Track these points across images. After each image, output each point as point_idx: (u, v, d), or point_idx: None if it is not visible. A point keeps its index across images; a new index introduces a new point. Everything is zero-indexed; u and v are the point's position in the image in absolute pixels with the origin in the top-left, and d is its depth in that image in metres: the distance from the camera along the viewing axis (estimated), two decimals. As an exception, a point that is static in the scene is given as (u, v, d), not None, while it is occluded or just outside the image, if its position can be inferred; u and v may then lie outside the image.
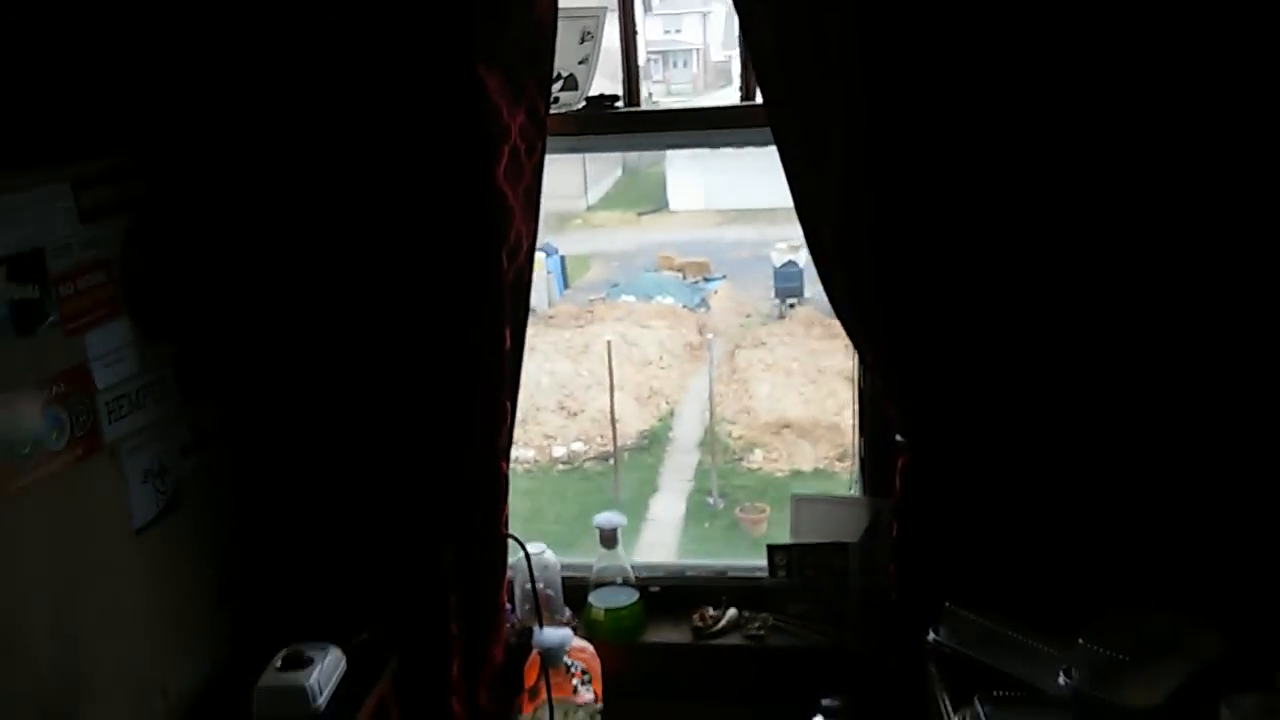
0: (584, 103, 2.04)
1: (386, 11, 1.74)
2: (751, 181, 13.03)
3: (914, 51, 1.68)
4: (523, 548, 1.99)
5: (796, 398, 9.79)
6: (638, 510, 7.97)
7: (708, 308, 11.38)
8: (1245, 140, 1.65)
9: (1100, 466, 1.81)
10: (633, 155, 13.84)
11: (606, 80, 2.08)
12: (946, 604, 1.84)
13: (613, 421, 8.68)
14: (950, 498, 1.87)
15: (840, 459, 8.71)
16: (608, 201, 14.29)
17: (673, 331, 10.69)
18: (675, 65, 13.99)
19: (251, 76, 1.80)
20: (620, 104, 2.06)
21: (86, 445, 1.56)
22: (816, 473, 8.73)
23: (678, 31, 14.08)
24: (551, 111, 1.90)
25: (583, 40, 1.95)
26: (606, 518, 2.20)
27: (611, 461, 8.79)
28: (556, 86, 1.95)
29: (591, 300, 11.06)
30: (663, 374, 10.11)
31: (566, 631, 1.95)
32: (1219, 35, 1.62)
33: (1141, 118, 1.66)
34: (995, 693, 1.68)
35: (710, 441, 9.18)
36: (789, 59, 1.75)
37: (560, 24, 1.82)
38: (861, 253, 1.79)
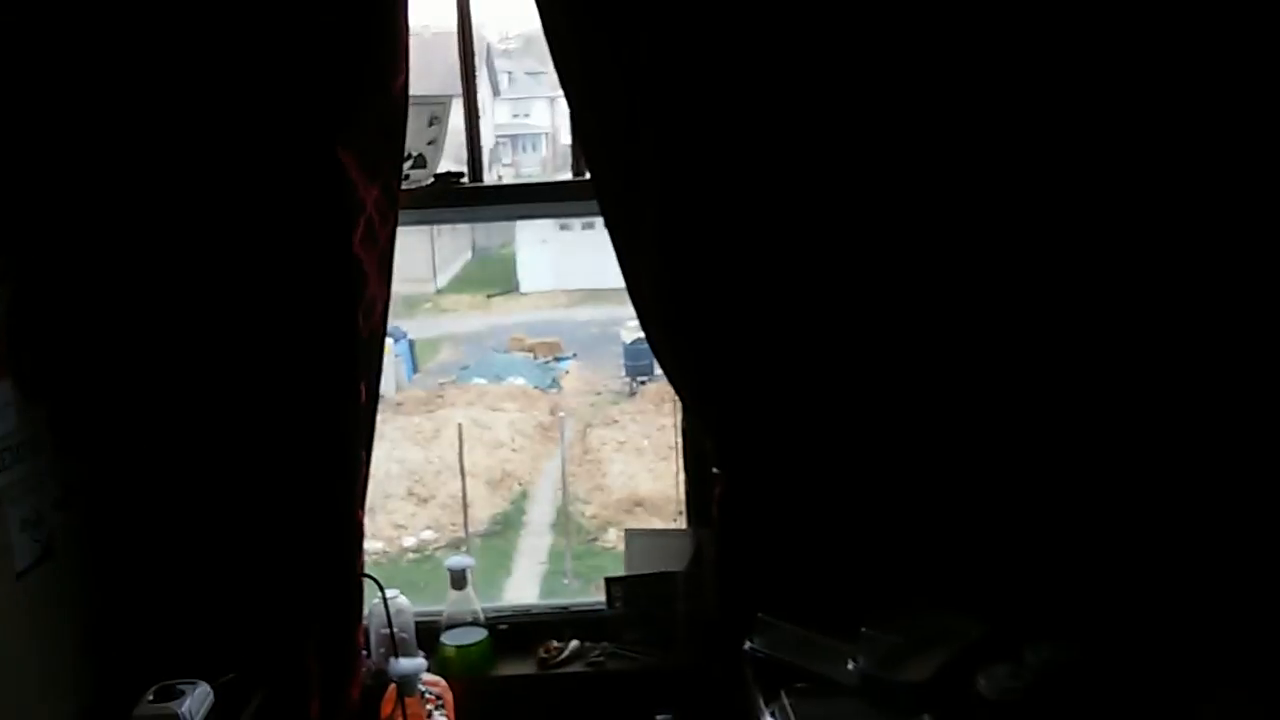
0: (432, 179, 2.28)
1: (255, 101, 1.95)
2: (600, 262, 13.39)
3: (710, 128, 1.98)
4: (380, 588, 2.14)
5: (648, 474, 9.98)
6: (492, 595, 7.95)
7: (559, 388, 11.54)
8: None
9: (884, 488, 2.12)
10: (482, 237, 13.93)
11: (451, 161, 2.32)
12: (759, 615, 2.09)
13: (464, 507, 8.65)
14: (759, 520, 2.14)
15: (692, 534, 8.94)
16: (457, 284, 14.31)
17: (524, 413, 10.75)
18: (524, 149, 14.26)
19: (126, 157, 1.97)
20: (465, 180, 2.30)
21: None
22: (671, 548, 8.88)
23: (526, 116, 14.34)
24: (403, 187, 2.13)
25: (430, 123, 2.20)
26: (456, 560, 2.37)
27: (464, 549, 8.74)
28: (407, 165, 2.18)
29: (442, 384, 11.02)
30: (515, 456, 10.12)
31: (420, 660, 2.10)
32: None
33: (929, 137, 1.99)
34: (798, 685, 1.93)
35: (564, 522, 9.25)
36: (608, 138, 2.03)
37: (410, 109, 2.06)
38: (673, 305, 2.07)
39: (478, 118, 2.31)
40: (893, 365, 2.08)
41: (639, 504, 9.51)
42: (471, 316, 13.44)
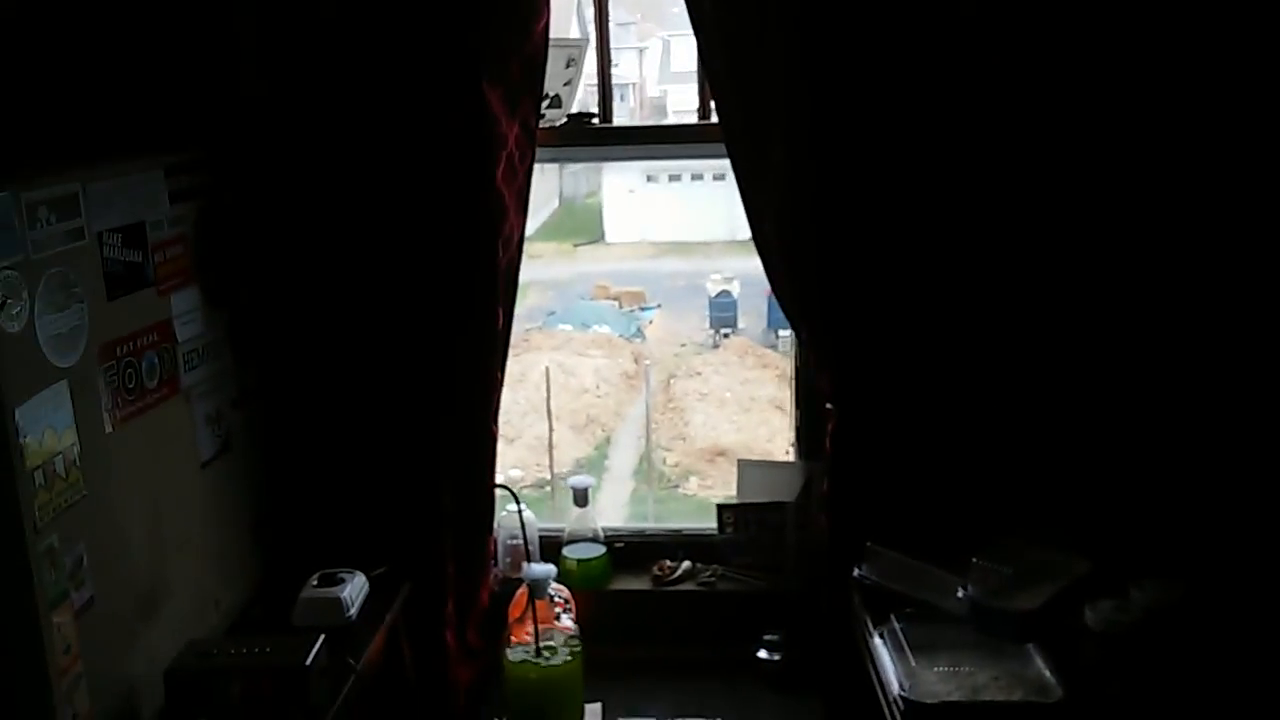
0: (565, 119, 2.39)
1: (412, 40, 2.08)
2: (686, 215, 13.43)
3: (842, 72, 2.05)
4: (515, 497, 2.29)
5: (730, 426, 10.06)
6: (576, 532, 8.13)
7: (643, 337, 11.65)
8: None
9: (993, 425, 2.18)
10: (569, 187, 14.04)
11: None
12: (868, 544, 2.19)
13: (550, 448, 8.87)
14: (871, 453, 2.23)
15: (772, 485, 9.02)
16: (545, 232, 14.41)
17: (609, 360, 10.89)
18: (615, 100, 14.29)
19: (300, 97, 2.13)
20: (596, 120, 2.40)
21: (170, 388, 1.85)
22: (750, 499, 8.97)
23: (616, 66, 14.37)
24: (540, 125, 2.24)
25: (567, 65, 2.30)
26: (578, 479, 2.52)
27: (548, 489, 8.96)
28: (544, 104, 2.28)
29: (528, 329, 11.24)
30: (599, 402, 10.29)
31: (550, 566, 2.25)
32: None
33: (1053, 111, 2.03)
34: (907, 610, 2.03)
35: (647, 468, 9.40)
36: (738, 81, 2.11)
37: (550, 52, 2.17)
38: (797, 244, 2.15)
39: (610, 62, 2.40)
40: (1009, 303, 2.12)
41: (721, 454, 9.59)
42: (558, 264, 13.57)
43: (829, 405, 2.28)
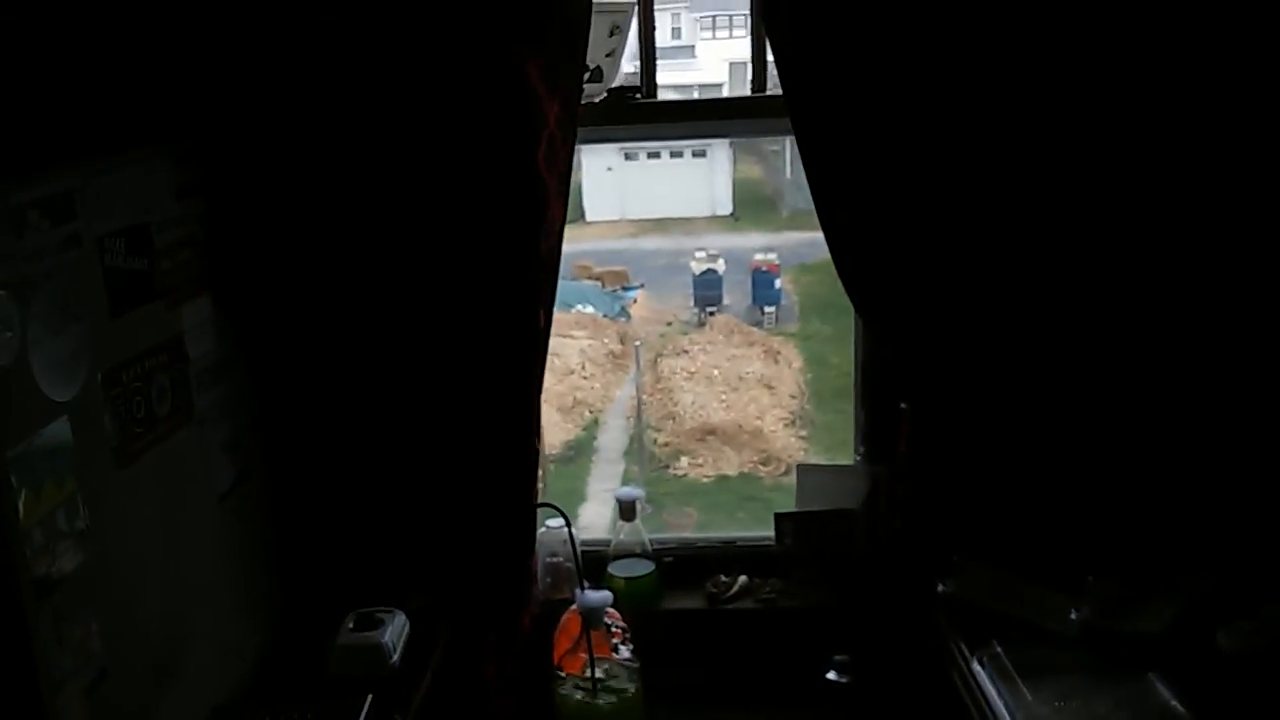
0: (605, 94, 2.15)
1: (441, 8, 1.83)
2: (667, 192, 13.28)
3: (922, 47, 1.84)
4: (563, 515, 2.07)
5: (719, 404, 9.97)
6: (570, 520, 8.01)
7: (628, 317, 11.51)
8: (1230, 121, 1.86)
9: (1090, 422, 1.99)
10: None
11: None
12: (954, 557, 2.00)
13: (539, 432, 8.69)
14: (953, 456, 2.04)
15: (764, 463, 8.95)
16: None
17: (594, 341, 10.78)
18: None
19: (318, 73, 1.87)
20: (640, 95, 2.17)
21: (182, 413, 1.62)
22: (742, 477, 8.92)
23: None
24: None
25: (611, 34, 2.06)
26: (626, 491, 2.30)
27: (540, 472, 8.79)
28: (584, 77, 2.05)
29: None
30: (585, 383, 10.18)
31: (606, 593, 2.04)
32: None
33: (1140, 106, 1.86)
34: (1011, 634, 1.84)
35: (638, 449, 9.28)
36: (808, 54, 1.89)
37: (593, 18, 1.93)
38: (876, 227, 1.94)
39: (653, 29, 2.17)
40: (1122, 295, 1.94)
41: (711, 433, 9.52)
42: (537, 244, 13.38)
43: (903, 405, 2.08)
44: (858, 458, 2.31)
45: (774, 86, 2.12)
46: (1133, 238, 1.92)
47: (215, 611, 1.70)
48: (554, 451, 9.01)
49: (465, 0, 1.83)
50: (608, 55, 2.08)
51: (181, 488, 1.62)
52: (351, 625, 1.78)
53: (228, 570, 1.75)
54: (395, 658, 1.75)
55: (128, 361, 1.47)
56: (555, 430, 9.18)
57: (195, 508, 1.66)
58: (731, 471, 9.17)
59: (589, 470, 9.32)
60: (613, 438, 9.84)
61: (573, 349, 10.38)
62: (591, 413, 9.95)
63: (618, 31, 2.06)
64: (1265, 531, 1.90)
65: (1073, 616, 1.80)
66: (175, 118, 1.70)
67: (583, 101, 2.05)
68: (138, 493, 1.48)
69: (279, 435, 1.95)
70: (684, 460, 9.58)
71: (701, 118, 2.21)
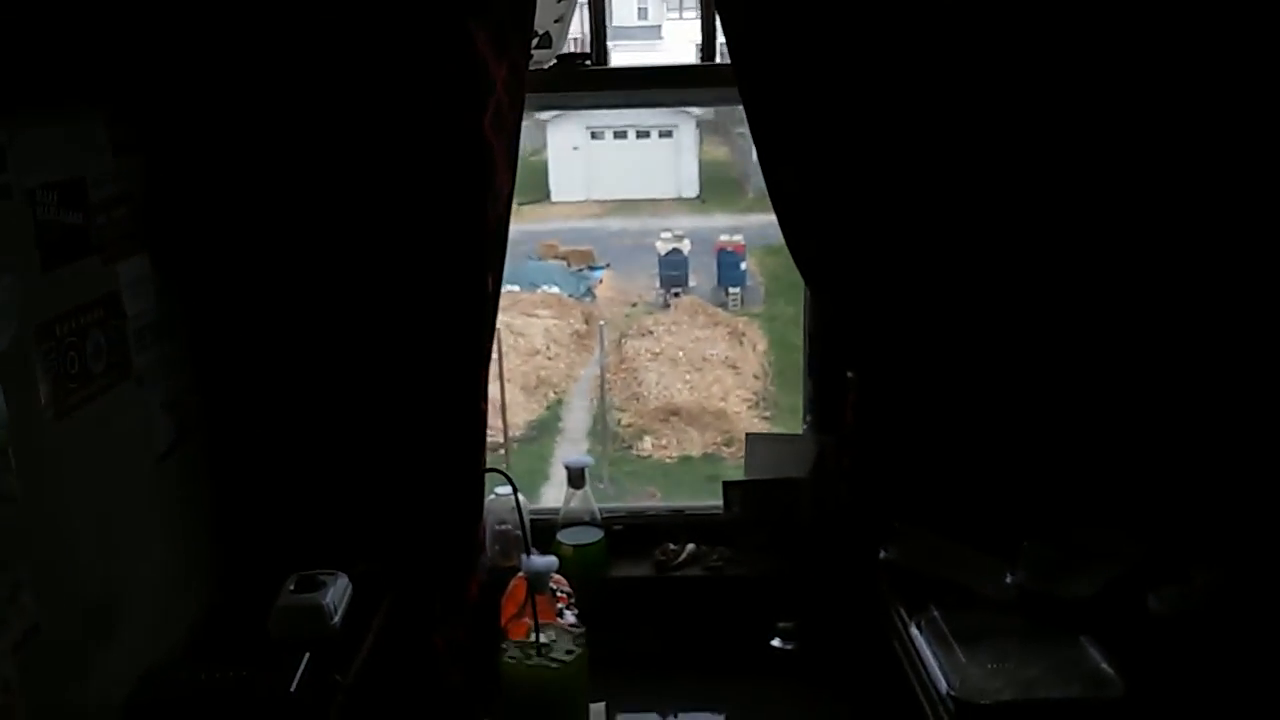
0: (554, 60, 2.14)
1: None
2: (633, 172, 13.24)
3: (870, 20, 1.85)
4: (511, 482, 2.07)
5: (684, 385, 9.99)
6: (532, 499, 8.00)
7: (593, 297, 11.48)
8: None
9: (1033, 393, 2.02)
10: (514, 146, 13.77)
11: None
12: (896, 524, 2.02)
13: (503, 410, 8.68)
14: (898, 425, 2.06)
15: (727, 444, 8.97)
16: (489, 191, 14.15)
17: (559, 320, 10.74)
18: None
19: (260, 31, 1.85)
20: (590, 63, 2.16)
21: (119, 371, 1.60)
22: (706, 457, 8.94)
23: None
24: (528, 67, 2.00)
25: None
26: (575, 458, 2.30)
27: (502, 452, 8.78)
28: (532, 43, 2.04)
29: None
30: (549, 363, 10.15)
31: (552, 558, 2.04)
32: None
33: (1111, 106, 1.89)
34: (948, 598, 1.86)
35: (602, 429, 9.27)
36: (753, 8, 1.89)
37: (541, -19, 1.93)
38: (821, 194, 1.95)
39: (604, -5, 2.16)
40: (1052, 263, 1.97)
41: (674, 413, 9.54)
42: (503, 222, 13.30)
43: (849, 373, 2.10)
44: (805, 427, 2.33)
45: (724, 56, 2.13)
46: (1068, 208, 1.94)
47: (153, 571, 1.69)
48: (518, 431, 8.98)
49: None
50: (556, 21, 2.07)
51: (118, 446, 1.60)
52: (293, 587, 1.77)
53: (166, 530, 1.73)
54: (336, 619, 1.74)
55: (61, 316, 1.45)
56: (519, 410, 9.16)
57: (132, 466, 1.65)
58: (695, 452, 9.18)
59: (552, 450, 9.29)
60: (577, 418, 9.82)
61: (538, 328, 10.34)
62: (556, 393, 9.92)
63: (566, -4, 2.06)
64: (1196, 496, 1.95)
65: (1008, 581, 1.83)
66: (111, 75, 1.67)
67: (531, 68, 2.04)
68: (72, 449, 1.46)
69: (221, 396, 1.93)
70: (648, 440, 9.58)
71: (649, 86, 2.20)
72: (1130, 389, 1.99)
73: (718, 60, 2.15)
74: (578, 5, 2.09)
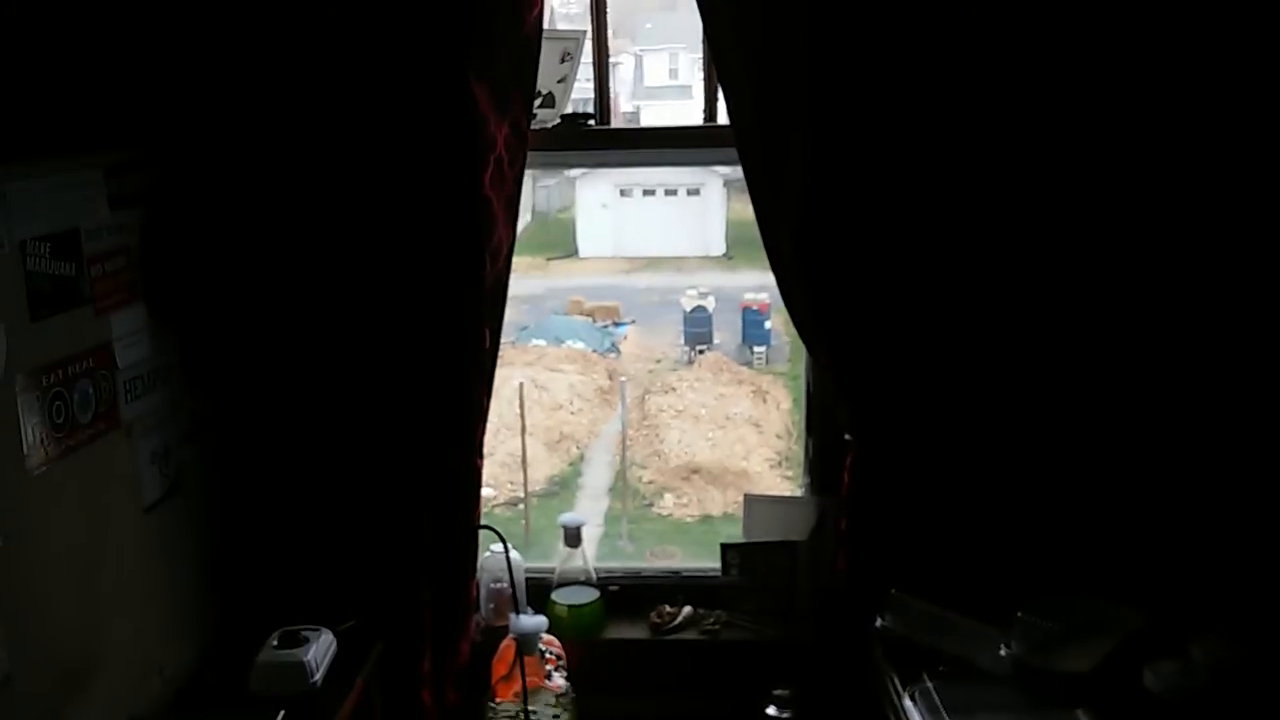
0: (559, 120, 2.17)
1: (388, 26, 1.85)
2: (660, 230, 13.34)
3: (865, 68, 1.86)
4: (502, 540, 2.06)
5: (705, 443, 9.93)
6: (549, 555, 7.95)
7: (618, 353, 11.50)
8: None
9: (1032, 462, 1.99)
10: (542, 201, 13.95)
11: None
12: (891, 591, 1.98)
13: (524, 465, 8.65)
14: (894, 490, 2.03)
15: (749, 504, 8.88)
16: (517, 246, 14.27)
17: (583, 376, 10.74)
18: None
19: (260, 86, 1.89)
20: (593, 122, 2.19)
21: (107, 421, 1.61)
22: (726, 517, 8.85)
23: (587, 81, 14.33)
24: (531, 126, 2.02)
25: (562, 60, 2.08)
26: (570, 517, 2.29)
27: (521, 506, 8.74)
28: (536, 103, 2.07)
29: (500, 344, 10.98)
30: (572, 418, 10.13)
31: (542, 619, 2.02)
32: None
33: (1089, 128, 1.87)
34: (941, 669, 1.82)
35: (622, 486, 9.21)
36: (751, 77, 1.90)
37: (543, 44, 1.96)
38: (817, 259, 1.95)
39: (608, 56, 2.19)
40: (1050, 332, 1.95)
41: (696, 471, 9.47)
42: (531, 278, 13.44)
43: (847, 436, 2.08)
44: (804, 489, 2.31)
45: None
46: (1059, 274, 1.93)
47: (136, 623, 1.68)
48: (538, 486, 8.95)
49: (415, 22, 1.85)
50: (559, 81, 2.10)
51: (104, 496, 1.60)
52: (275, 643, 1.76)
53: (152, 582, 1.73)
54: (317, 677, 1.73)
55: (48, 366, 1.46)
56: (540, 465, 9.12)
57: (119, 517, 1.65)
58: (716, 511, 9.07)
59: (573, 506, 9.23)
60: (598, 474, 9.77)
61: (561, 383, 10.35)
62: (578, 448, 9.89)
63: (569, 58, 2.09)
64: (1195, 565, 1.90)
65: (1001, 653, 1.78)
66: (111, 127, 1.70)
67: (534, 127, 2.07)
68: (54, 498, 1.47)
69: (213, 449, 1.94)
70: (668, 498, 9.49)
71: (654, 146, 2.23)
72: (1128, 458, 1.96)
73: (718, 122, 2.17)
74: (579, 67, 2.13)
